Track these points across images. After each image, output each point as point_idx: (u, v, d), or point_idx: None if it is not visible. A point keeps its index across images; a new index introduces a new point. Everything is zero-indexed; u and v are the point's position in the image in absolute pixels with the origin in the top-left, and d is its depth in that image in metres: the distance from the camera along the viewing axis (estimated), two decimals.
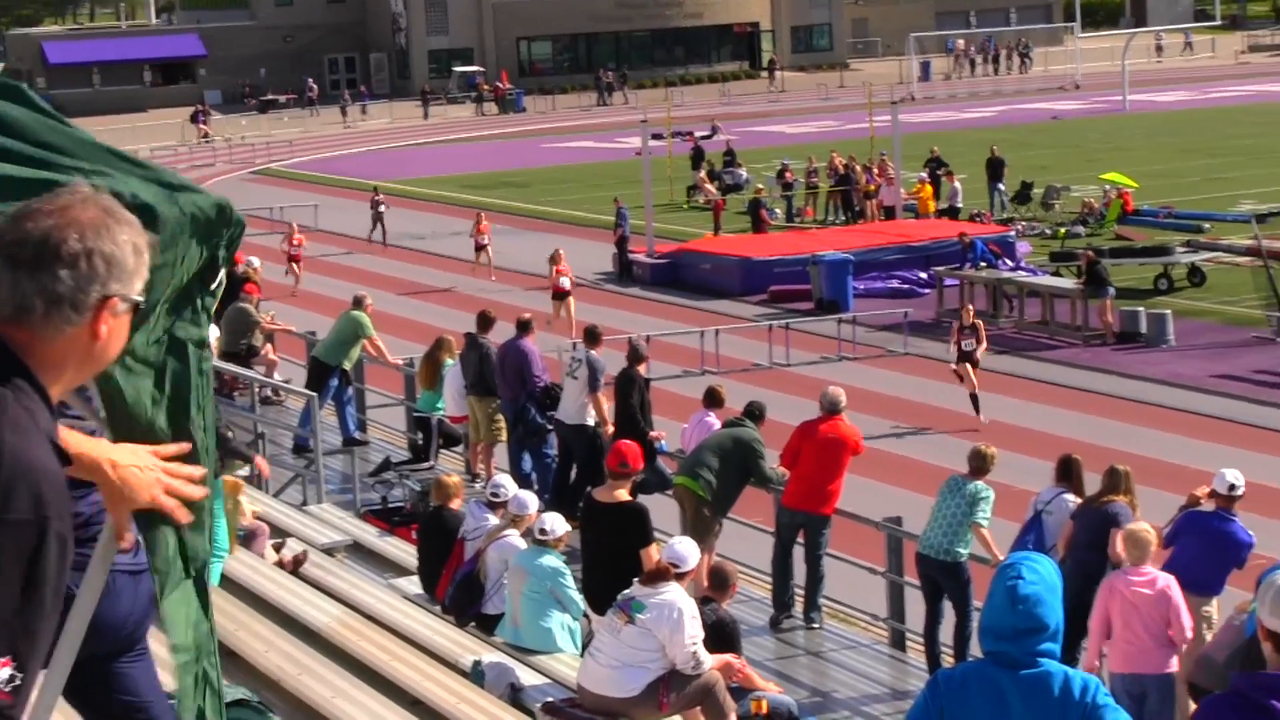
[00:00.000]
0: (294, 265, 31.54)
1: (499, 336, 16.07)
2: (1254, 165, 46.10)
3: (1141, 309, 27.17)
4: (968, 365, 20.87)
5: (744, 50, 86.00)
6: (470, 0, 77.99)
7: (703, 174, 41.38)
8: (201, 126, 62.20)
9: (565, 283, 26.10)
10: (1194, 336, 26.68)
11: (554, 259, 26.82)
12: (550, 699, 8.54)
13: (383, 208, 36.90)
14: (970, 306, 22.79)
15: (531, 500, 10.25)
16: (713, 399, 14.18)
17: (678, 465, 13.64)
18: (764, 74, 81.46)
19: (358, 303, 17.52)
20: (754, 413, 13.18)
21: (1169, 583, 9.00)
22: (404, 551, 12.39)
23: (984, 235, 31.30)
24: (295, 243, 31.85)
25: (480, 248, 31.81)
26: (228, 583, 9.26)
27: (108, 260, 1.65)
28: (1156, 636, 9.04)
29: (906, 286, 30.11)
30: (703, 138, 46.88)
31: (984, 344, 21.69)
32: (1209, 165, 46.69)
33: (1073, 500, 11.04)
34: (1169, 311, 27.06)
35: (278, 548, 10.71)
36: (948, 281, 28.36)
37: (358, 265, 35.28)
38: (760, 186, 38.95)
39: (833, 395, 12.64)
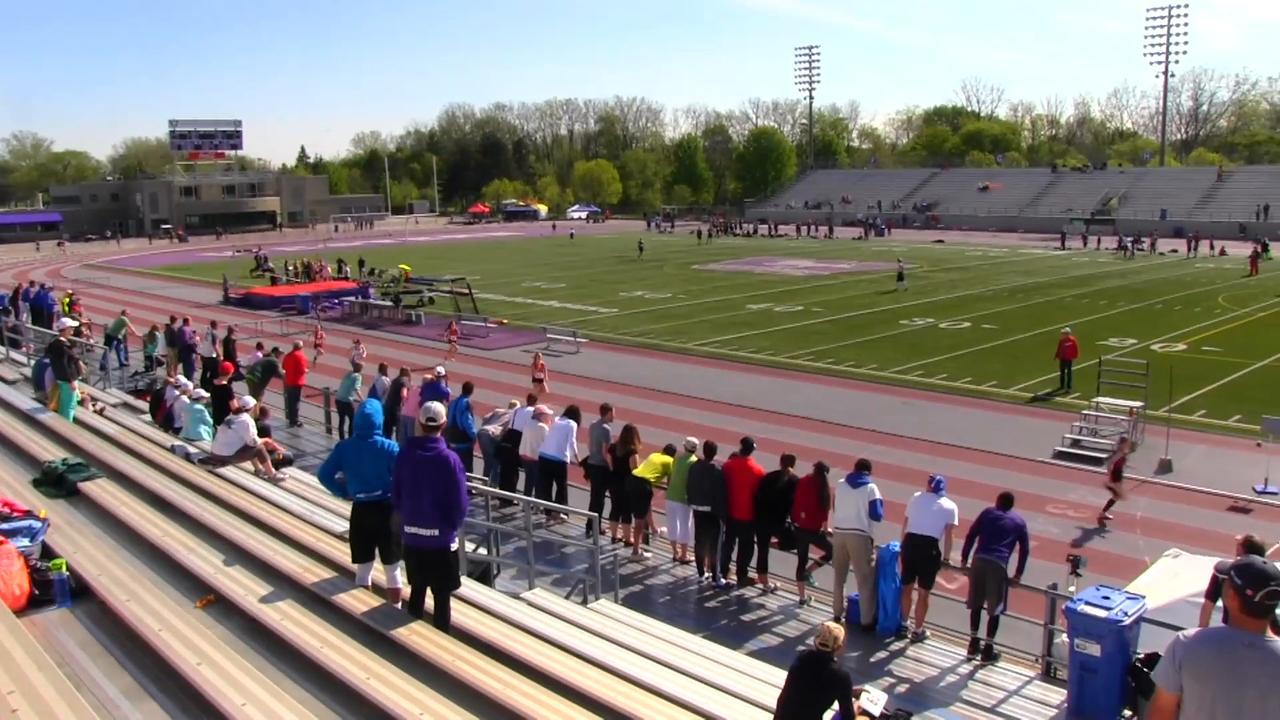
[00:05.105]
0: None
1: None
2: (450, 263, 63.34)
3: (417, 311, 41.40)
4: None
5: None
6: (166, 198, 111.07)
7: None
8: (59, 247, 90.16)
9: (540, 374, 25.25)
10: (442, 324, 38.42)
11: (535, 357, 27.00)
12: (201, 456, 12.52)
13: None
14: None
15: (191, 384, 15.85)
16: None
17: None
18: None
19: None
20: None
21: None
22: (144, 406, 16.91)
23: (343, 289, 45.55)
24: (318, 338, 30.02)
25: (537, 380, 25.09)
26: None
27: None
28: None
29: None
30: None
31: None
32: (439, 262, 62.86)
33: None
34: (423, 311, 40.61)
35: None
36: None
37: None
38: None
39: None
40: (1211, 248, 70.06)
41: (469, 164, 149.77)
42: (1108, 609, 9.04)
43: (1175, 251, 69.79)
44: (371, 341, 32.07)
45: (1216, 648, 4.30)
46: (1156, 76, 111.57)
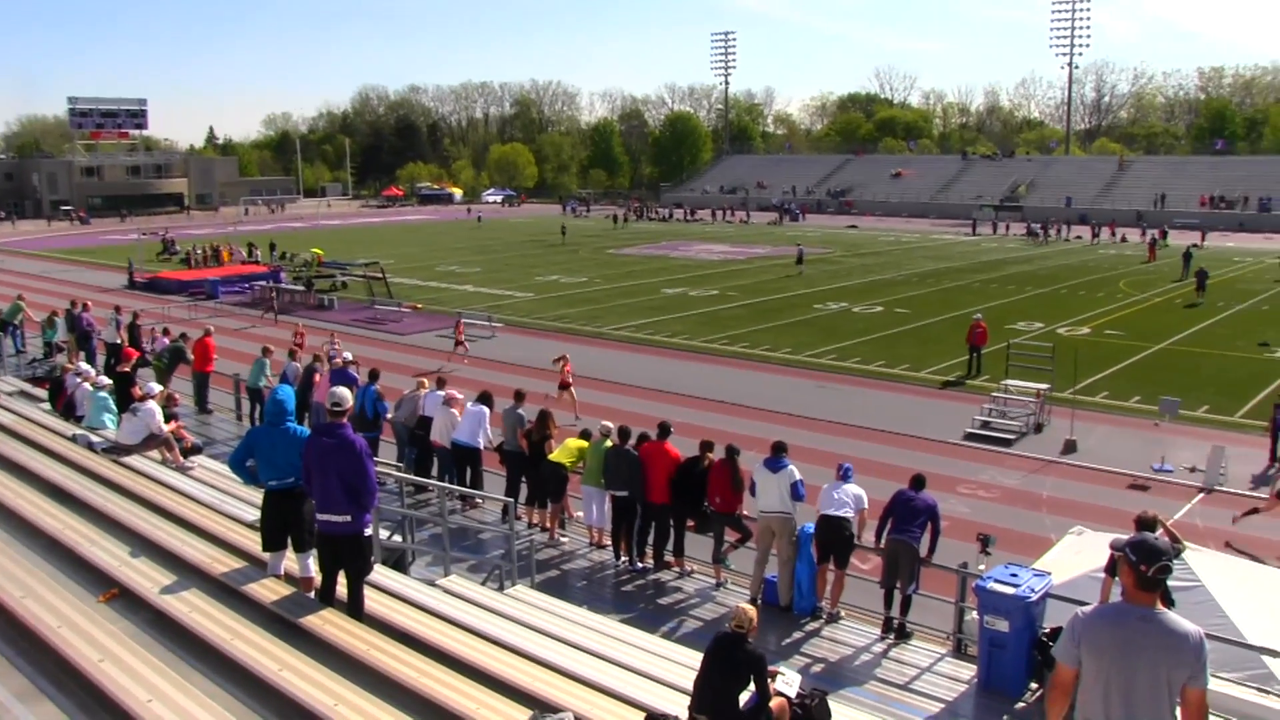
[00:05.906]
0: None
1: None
2: (363, 246, 65.07)
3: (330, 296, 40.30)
4: None
5: None
6: (65, 178, 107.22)
7: None
8: None
9: (569, 378, 23.08)
10: (355, 309, 38.40)
11: (560, 361, 23.79)
12: (105, 445, 12.10)
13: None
14: None
15: (93, 371, 15.40)
16: None
17: None
18: None
19: None
20: None
21: None
22: (43, 394, 16.16)
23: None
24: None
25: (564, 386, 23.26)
26: None
27: None
28: None
29: None
30: None
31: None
32: (352, 246, 63.13)
33: None
34: (336, 295, 39.61)
35: None
36: None
37: None
38: None
39: None
40: (1113, 234, 72.48)
41: (383, 146, 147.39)
42: (1015, 586, 9.33)
43: (1080, 238, 72.03)
44: (287, 328, 31.33)
45: (1112, 622, 4.46)
46: (1061, 68, 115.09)
